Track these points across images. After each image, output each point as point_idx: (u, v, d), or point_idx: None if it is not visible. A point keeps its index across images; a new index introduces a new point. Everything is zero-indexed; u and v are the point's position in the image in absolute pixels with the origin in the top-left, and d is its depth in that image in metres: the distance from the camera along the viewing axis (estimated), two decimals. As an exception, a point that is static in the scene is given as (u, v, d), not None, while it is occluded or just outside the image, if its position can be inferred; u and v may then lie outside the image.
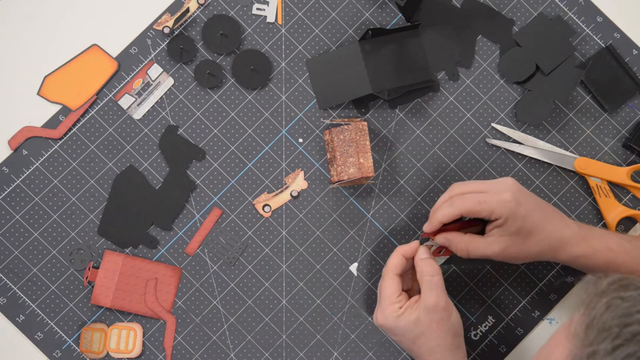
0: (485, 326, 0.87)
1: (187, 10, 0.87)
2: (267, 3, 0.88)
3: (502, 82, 0.89)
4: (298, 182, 0.87)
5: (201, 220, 0.86)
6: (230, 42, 0.87)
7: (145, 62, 0.87)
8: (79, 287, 0.85)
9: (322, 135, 0.87)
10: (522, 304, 0.87)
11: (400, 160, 0.88)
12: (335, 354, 0.86)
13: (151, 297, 0.84)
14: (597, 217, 0.88)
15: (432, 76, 0.88)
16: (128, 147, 0.86)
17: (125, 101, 0.87)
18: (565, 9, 0.89)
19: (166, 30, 0.86)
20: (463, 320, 0.84)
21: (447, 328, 0.75)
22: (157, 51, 0.87)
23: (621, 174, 0.87)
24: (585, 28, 0.89)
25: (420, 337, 0.75)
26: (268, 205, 0.86)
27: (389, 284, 0.76)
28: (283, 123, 0.87)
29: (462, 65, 0.89)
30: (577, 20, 0.89)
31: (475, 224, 0.79)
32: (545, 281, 0.87)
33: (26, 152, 0.86)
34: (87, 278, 0.84)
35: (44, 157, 0.86)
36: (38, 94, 0.87)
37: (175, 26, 0.87)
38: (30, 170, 0.86)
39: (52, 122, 0.86)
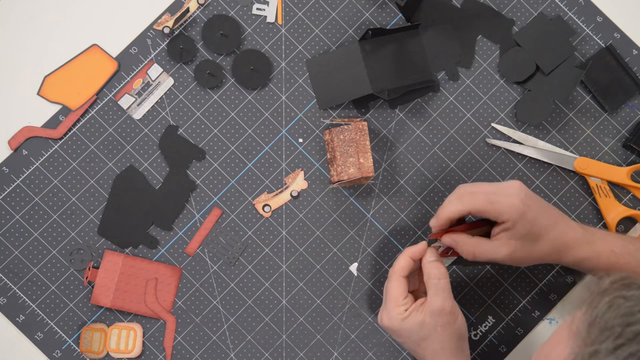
0: (485, 326, 0.87)
1: (187, 10, 0.87)
2: (267, 3, 0.88)
3: (502, 82, 0.89)
4: (298, 182, 0.87)
5: (201, 220, 0.86)
6: (230, 42, 0.87)
7: (145, 62, 0.87)
8: (79, 287, 0.85)
9: (322, 135, 0.87)
10: (522, 304, 0.87)
11: (400, 160, 0.88)
12: (335, 354, 0.86)
13: (151, 297, 0.84)
14: (597, 217, 0.88)
15: (432, 76, 0.88)
16: (128, 147, 0.86)
17: (125, 101, 0.87)
18: (565, 9, 0.89)
19: (166, 30, 0.86)
20: (463, 320, 0.85)
21: (451, 332, 0.75)
22: (157, 51, 0.87)
23: (621, 174, 0.87)
24: (585, 28, 0.89)
25: (425, 339, 0.75)
26: (268, 205, 0.86)
27: (395, 286, 0.76)
28: (283, 123, 0.87)
29: (462, 65, 0.89)
30: (577, 20, 0.89)
31: (481, 226, 0.78)
32: (545, 281, 0.87)
33: (26, 152, 0.86)
34: (87, 278, 0.84)
35: (44, 157, 0.86)
36: (38, 94, 0.87)
37: (175, 26, 0.87)
38: (30, 170, 0.86)
39: (52, 122, 0.86)
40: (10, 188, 0.85)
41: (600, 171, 0.87)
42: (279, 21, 0.88)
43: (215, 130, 0.87)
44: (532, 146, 0.88)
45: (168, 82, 0.87)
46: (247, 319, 0.86)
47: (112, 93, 0.87)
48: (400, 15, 0.89)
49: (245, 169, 0.87)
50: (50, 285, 0.85)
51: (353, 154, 0.83)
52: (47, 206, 0.85)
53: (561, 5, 0.89)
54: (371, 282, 0.86)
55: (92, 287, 0.85)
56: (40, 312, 0.84)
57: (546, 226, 0.75)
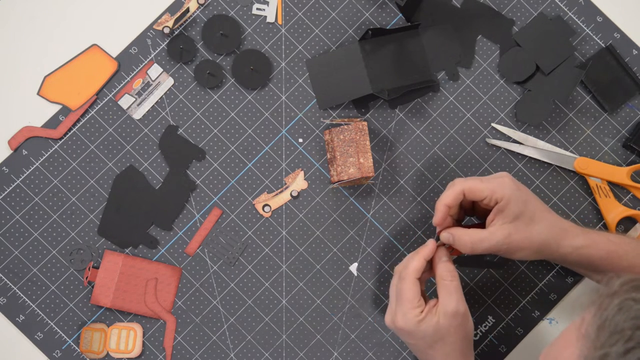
0: (485, 326, 0.87)
1: (187, 10, 0.87)
2: (267, 3, 0.88)
3: (502, 82, 0.89)
4: (298, 182, 0.87)
5: (201, 220, 0.86)
6: (230, 42, 0.87)
7: (145, 62, 0.87)
8: (79, 287, 0.85)
9: (322, 135, 0.87)
10: (522, 304, 0.87)
11: (400, 160, 0.88)
12: (335, 354, 0.86)
13: (151, 297, 0.84)
14: (597, 217, 0.88)
15: (432, 76, 0.88)
16: (128, 147, 0.86)
17: (125, 101, 0.87)
18: (565, 9, 0.89)
19: (166, 30, 0.86)
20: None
21: (464, 334, 0.74)
22: (157, 51, 0.87)
23: (621, 174, 0.87)
24: (585, 28, 0.89)
25: (438, 341, 0.74)
26: (268, 205, 0.86)
27: (411, 288, 0.75)
28: (283, 123, 0.87)
29: (462, 65, 0.89)
30: (577, 20, 0.89)
31: (479, 227, 0.78)
32: (545, 281, 0.87)
33: (26, 152, 0.86)
34: (87, 278, 0.84)
35: (44, 157, 0.86)
36: (38, 94, 0.87)
37: (175, 26, 0.87)
38: (30, 170, 0.86)
39: (52, 122, 0.86)
40: (10, 188, 0.85)
41: (600, 171, 0.87)
42: (279, 21, 0.88)
43: (215, 130, 0.87)
44: (532, 146, 0.88)
45: (168, 82, 0.87)
46: (247, 319, 0.86)
47: (112, 93, 0.87)
48: (400, 15, 0.89)
49: (245, 169, 0.87)
50: (50, 285, 0.85)
51: (353, 154, 0.83)
52: (47, 206, 0.85)
53: (561, 5, 0.89)
54: (371, 282, 0.87)
55: (92, 287, 0.85)
56: (40, 312, 0.84)
57: (540, 210, 0.76)
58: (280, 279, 0.86)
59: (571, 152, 0.88)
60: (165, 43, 0.87)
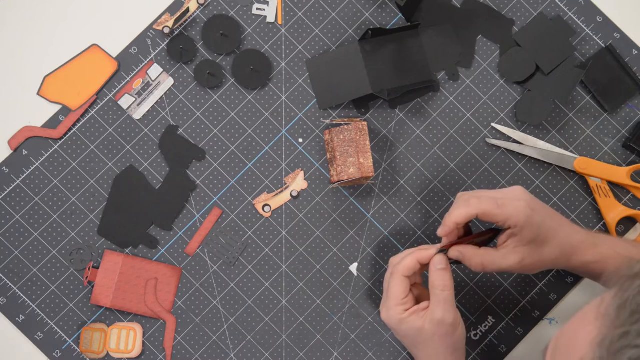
0: (485, 326, 0.87)
1: (187, 10, 0.87)
2: (267, 3, 0.88)
3: (502, 82, 0.89)
4: (298, 182, 0.87)
5: (201, 220, 0.86)
6: (230, 42, 0.87)
7: (145, 62, 0.87)
8: (79, 287, 0.85)
9: (322, 135, 0.87)
10: (522, 304, 0.87)
11: (400, 160, 0.88)
12: (335, 354, 0.86)
13: (151, 297, 0.84)
14: (597, 217, 0.88)
15: (432, 76, 0.88)
16: (128, 147, 0.86)
17: (125, 101, 0.87)
18: (565, 9, 0.89)
19: (166, 30, 0.86)
20: (463, 320, 0.85)
21: (449, 343, 0.74)
22: (157, 51, 0.87)
23: (621, 174, 0.87)
24: (585, 28, 0.89)
25: (421, 343, 0.75)
26: (268, 205, 0.86)
27: (397, 285, 0.75)
28: (283, 123, 0.87)
29: (462, 65, 0.89)
30: (577, 20, 0.89)
31: (488, 234, 0.78)
32: (545, 281, 0.87)
33: (26, 152, 0.86)
34: (87, 278, 0.84)
35: (44, 157, 0.86)
36: (38, 94, 0.87)
37: (175, 26, 0.87)
38: (30, 170, 0.86)
39: (52, 122, 0.86)
40: (10, 188, 0.85)
41: (600, 171, 0.87)
42: (279, 21, 0.88)
43: (215, 130, 0.87)
44: (532, 146, 0.88)
45: (168, 82, 0.87)
46: (247, 319, 0.86)
47: (112, 93, 0.87)
48: (400, 15, 0.89)
49: (245, 169, 0.87)
50: (50, 285, 0.85)
51: (353, 154, 0.83)
52: (47, 206, 0.85)
53: (561, 5, 0.89)
54: (371, 282, 0.86)
55: (92, 287, 0.85)
56: (40, 312, 0.84)
57: (552, 229, 0.74)
58: (280, 279, 0.86)
59: (571, 152, 0.88)
60: (165, 43, 0.87)
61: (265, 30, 0.88)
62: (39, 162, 0.86)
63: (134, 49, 0.87)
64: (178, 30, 0.87)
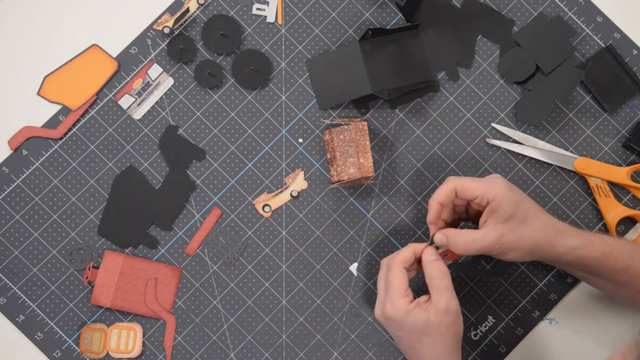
0: (485, 326, 0.87)
1: (187, 10, 0.87)
2: (267, 3, 0.88)
3: (502, 82, 0.89)
4: (298, 182, 0.87)
5: (201, 220, 0.86)
6: (230, 42, 0.87)
7: (145, 62, 0.87)
8: (79, 287, 0.85)
9: (322, 135, 0.87)
10: (522, 304, 0.87)
11: (400, 160, 0.88)
12: (335, 354, 0.86)
13: (151, 297, 0.85)
14: (597, 217, 0.88)
15: (432, 76, 0.88)
16: (128, 147, 0.86)
17: (125, 101, 0.87)
18: (565, 9, 0.89)
19: (166, 30, 0.86)
20: (463, 320, 0.85)
21: (454, 331, 0.75)
22: (157, 51, 0.87)
23: (621, 174, 0.87)
24: (585, 28, 0.89)
25: (427, 337, 0.74)
26: (268, 205, 0.86)
27: (399, 276, 0.75)
28: (283, 123, 0.87)
29: (462, 65, 0.89)
30: (577, 20, 0.89)
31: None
32: (545, 281, 0.87)
33: (26, 152, 0.86)
34: (87, 278, 0.84)
35: (44, 157, 0.86)
36: (38, 94, 0.87)
37: (175, 26, 0.87)
38: (30, 170, 0.86)
39: (52, 122, 0.86)
40: (10, 188, 0.85)
41: (600, 171, 0.87)
42: (279, 21, 0.88)
43: (215, 130, 0.87)
44: (532, 146, 0.88)
45: (168, 82, 0.87)
46: (247, 319, 0.86)
47: (112, 93, 0.87)
48: (400, 15, 0.89)
49: (245, 169, 0.87)
50: (50, 285, 0.85)
51: (353, 154, 0.83)
52: (47, 206, 0.85)
53: (561, 5, 0.89)
54: (371, 282, 0.86)
55: (92, 287, 0.85)
56: (40, 312, 0.84)
57: (533, 210, 0.76)
58: (280, 279, 0.86)
59: (571, 152, 0.88)
60: (165, 43, 0.87)
61: (265, 30, 0.88)
62: (39, 162, 0.86)
63: (134, 49, 0.87)
64: (178, 30, 0.87)
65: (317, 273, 0.86)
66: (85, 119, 0.86)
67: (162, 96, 0.87)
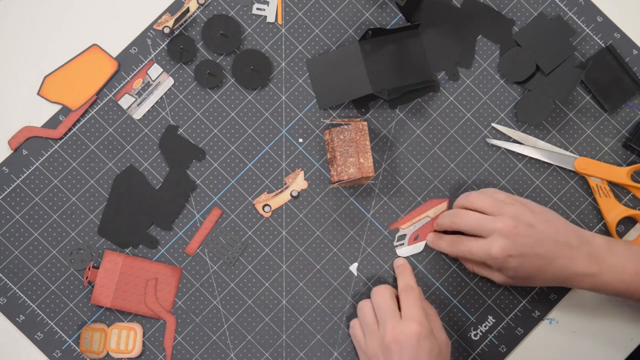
0: (485, 326, 0.87)
1: (187, 10, 0.87)
2: (267, 3, 0.88)
3: (502, 82, 0.89)
4: (298, 182, 0.87)
5: (201, 220, 0.86)
6: (230, 42, 0.87)
7: (145, 62, 0.87)
8: (79, 287, 0.85)
9: (322, 135, 0.87)
10: (522, 304, 0.87)
11: (400, 160, 0.88)
12: (335, 354, 0.86)
13: (151, 297, 0.84)
14: (597, 217, 0.88)
15: (432, 76, 0.88)
16: (128, 147, 0.86)
17: (125, 101, 0.87)
18: (565, 9, 0.89)
19: (166, 30, 0.86)
20: (463, 320, 0.85)
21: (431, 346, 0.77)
22: (157, 51, 0.87)
23: (621, 174, 0.87)
24: (585, 28, 0.89)
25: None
26: (268, 205, 0.86)
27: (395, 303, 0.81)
28: (283, 123, 0.87)
29: (462, 65, 0.89)
30: (577, 20, 0.89)
31: None
32: (545, 281, 0.87)
33: (26, 152, 0.86)
34: (87, 278, 0.84)
35: (44, 157, 0.86)
36: (38, 94, 0.87)
37: (175, 26, 0.87)
38: (30, 170, 0.86)
39: (52, 122, 0.86)
40: (10, 188, 0.85)
41: (600, 171, 0.87)
42: (279, 21, 0.88)
43: (215, 130, 0.87)
44: (532, 146, 0.88)
45: (168, 82, 0.87)
46: (247, 319, 0.86)
47: (112, 93, 0.87)
48: (400, 15, 0.89)
49: (245, 169, 0.87)
50: (50, 285, 0.85)
51: (353, 154, 0.83)
52: (47, 206, 0.85)
53: (561, 5, 0.89)
54: (371, 282, 0.86)
55: (92, 287, 0.85)
56: (40, 312, 0.84)
57: (537, 269, 0.77)
58: (280, 279, 0.86)
59: (571, 152, 0.88)
60: (165, 43, 0.87)
61: (265, 30, 0.88)
62: (39, 162, 0.86)
63: (134, 49, 0.87)
64: (178, 30, 0.87)
65: (317, 273, 0.86)
66: (85, 119, 0.86)
67: (162, 96, 0.87)
